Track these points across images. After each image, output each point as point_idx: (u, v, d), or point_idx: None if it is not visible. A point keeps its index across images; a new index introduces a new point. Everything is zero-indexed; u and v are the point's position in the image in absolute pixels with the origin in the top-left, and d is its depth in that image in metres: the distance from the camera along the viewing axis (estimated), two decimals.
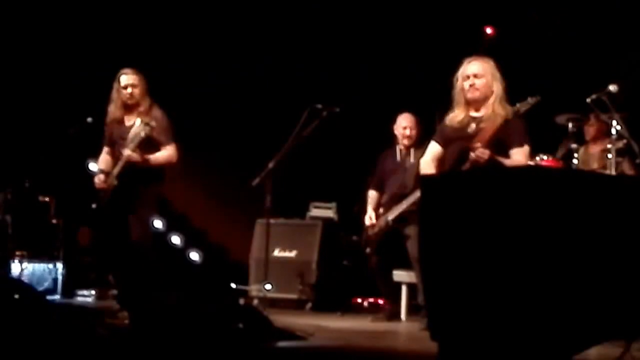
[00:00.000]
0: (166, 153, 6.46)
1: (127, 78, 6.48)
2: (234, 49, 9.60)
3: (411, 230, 6.79)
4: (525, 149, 5.42)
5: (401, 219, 6.99)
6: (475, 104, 5.54)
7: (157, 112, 6.45)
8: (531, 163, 5.68)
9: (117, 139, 6.53)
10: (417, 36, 8.85)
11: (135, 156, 6.30)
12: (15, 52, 9.27)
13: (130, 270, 6.41)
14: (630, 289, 4.21)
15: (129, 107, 6.50)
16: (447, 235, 4.31)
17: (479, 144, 5.27)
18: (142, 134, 6.27)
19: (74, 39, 9.41)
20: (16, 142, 9.24)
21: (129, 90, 6.46)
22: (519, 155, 5.39)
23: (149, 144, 6.39)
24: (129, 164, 6.35)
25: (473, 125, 5.51)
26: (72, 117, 7.90)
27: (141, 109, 6.44)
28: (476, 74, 5.53)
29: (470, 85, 5.52)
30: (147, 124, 6.29)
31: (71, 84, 9.30)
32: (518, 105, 5.31)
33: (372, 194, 7.43)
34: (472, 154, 5.28)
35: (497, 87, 5.52)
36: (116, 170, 6.43)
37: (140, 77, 6.49)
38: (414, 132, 7.31)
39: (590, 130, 7.11)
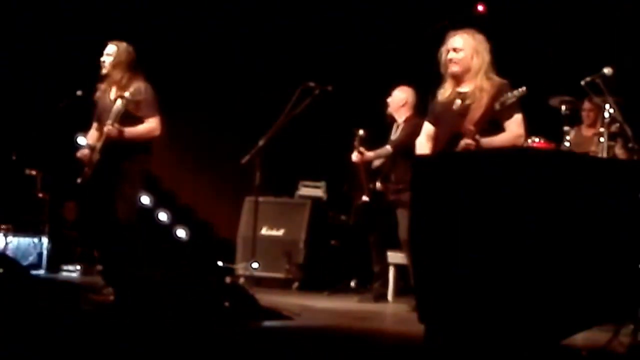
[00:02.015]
0: (147, 126, 6.38)
1: (106, 48, 6.43)
2: (226, 26, 9.53)
3: (400, 215, 6.77)
4: (518, 117, 5.34)
5: (372, 192, 7.05)
6: (457, 78, 5.49)
7: (139, 85, 6.36)
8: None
9: (101, 112, 6.47)
10: (409, 13, 8.80)
11: (114, 130, 6.23)
12: (4, 25, 9.17)
13: (115, 246, 6.36)
14: (618, 273, 4.20)
15: (107, 79, 6.43)
16: (437, 217, 4.28)
17: (470, 127, 5.20)
18: (120, 106, 6.22)
19: (64, 10, 9.32)
20: (4, 114, 9.16)
21: (103, 59, 6.40)
22: (513, 126, 5.32)
23: (130, 117, 6.32)
24: (111, 139, 6.29)
25: (458, 102, 5.45)
26: (62, 90, 7.82)
27: (114, 79, 6.37)
28: (455, 48, 5.46)
29: (450, 59, 5.47)
30: (121, 97, 6.24)
31: (61, 56, 9.22)
32: (502, 99, 5.22)
33: None
34: (462, 142, 5.21)
35: (477, 62, 5.43)
36: (99, 145, 6.37)
37: (119, 49, 6.40)
38: (390, 105, 7.26)
39: (591, 115, 7.10)
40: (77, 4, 9.32)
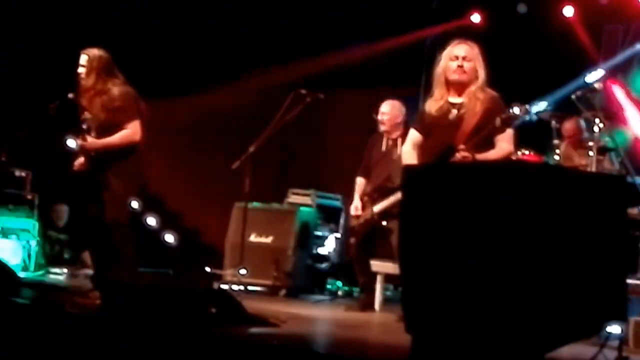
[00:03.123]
0: (123, 134, 6.30)
1: (80, 59, 6.39)
2: (218, 31, 9.54)
3: (394, 224, 6.71)
4: (509, 132, 5.36)
5: (386, 213, 6.90)
6: (458, 87, 5.46)
7: (113, 92, 6.30)
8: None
9: (84, 120, 6.45)
10: (401, 23, 8.84)
11: (87, 144, 6.26)
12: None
13: (104, 249, 6.33)
14: (605, 286, 4.22)
15: (84, 89, 6.40)
16: (426, 228, 4.28)
17: (463, 147, 5.19)
18: (95, 122, 6.25)
19: (57, 12, 9.31)
20: None
21: (79, 71, 6.37)
22: (503, 142, 5.34)
23: (109, 126, 6.29)
24: (89, 152, 6.31)
25: (454, 112, 5.45)
26: (54, 91, 7.80)
27: (89, 87, 6.33)
28: (465, 57, 5.44)
29: (459, 66, 5.43)
30: (97, 110, 6.24)
31: (56, 56, 9.20)
32: (504, 116, 5.20)
33: (359, 181, 7.29)
34: (457, 155, 5.20)
35: (482, 73, 5.46)
36: (82, 158, 6.39)
37: (89, 57, 6.33)
38: (386, 117, 7.16)
39: (568, 128, 7.13)
40: (77, 4, 9.30)
